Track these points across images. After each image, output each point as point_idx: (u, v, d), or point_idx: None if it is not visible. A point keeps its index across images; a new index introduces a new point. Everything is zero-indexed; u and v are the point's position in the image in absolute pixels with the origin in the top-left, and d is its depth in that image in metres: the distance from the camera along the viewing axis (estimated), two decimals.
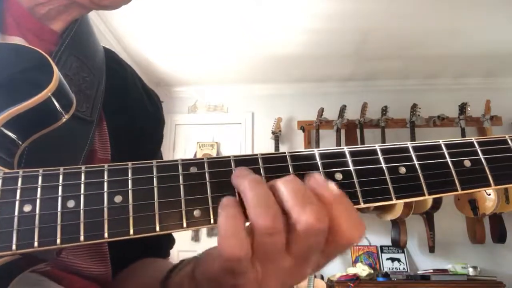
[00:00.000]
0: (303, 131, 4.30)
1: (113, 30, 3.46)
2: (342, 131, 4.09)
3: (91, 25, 0.70)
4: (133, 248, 0.64)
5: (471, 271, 3.52)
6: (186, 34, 3.50)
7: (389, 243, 3.87)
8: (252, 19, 3.28)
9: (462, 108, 3.89)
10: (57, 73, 0.46)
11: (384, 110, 4.02)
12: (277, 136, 4.22)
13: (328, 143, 4.15)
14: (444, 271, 3.61)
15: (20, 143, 0.46)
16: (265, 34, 3.48)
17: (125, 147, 0.66)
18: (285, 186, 0.37)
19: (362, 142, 3.92)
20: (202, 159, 0.40)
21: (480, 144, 0.42)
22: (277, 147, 4.19)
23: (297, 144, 4.33)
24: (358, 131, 4.05)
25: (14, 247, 0.36)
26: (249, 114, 4.49)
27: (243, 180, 0.38)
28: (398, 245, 3.79)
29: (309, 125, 4.27)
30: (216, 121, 4.52)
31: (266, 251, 0.37)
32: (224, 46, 3.70)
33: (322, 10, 3.14)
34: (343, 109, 4.05)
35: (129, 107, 0.73)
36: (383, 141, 3.83)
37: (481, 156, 0.42)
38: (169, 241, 0.78)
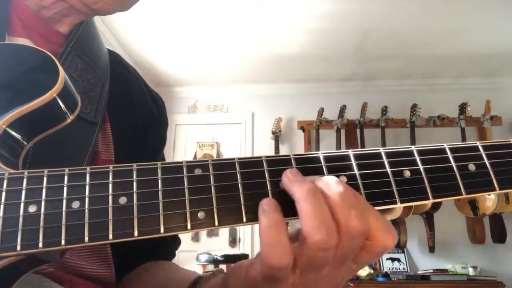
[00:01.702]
0: (303, 131, 4.30)
1: (114, 30, 3.46)
2: (342, 131, 4.09)
3: (96, 28, 0.70)
4: (139, 249, 0.64)
5: (471, 271, 3.52)
6: (186, 34, 3.50)
7: None
8: (252, 19, 3.28)
9: (462, 108, 3.89)
10: (62, 74, 0.46)
11: (384, 110, 4.02)
12: (277, 136, 4.22)
13: (328, 143, 4.15)
14: (444, 271, 3.62)
15: (25, 143, 0.46)
16: (265, 34, 3.48)
17: (128, 149, 0.67)
18: (330, 188, 0.37)
19: (362, 142, 3.92)
20: (207, 161, 0.40)
21: (485, 148, 0.42)
22: (277, 147, 4.19)
23: (297, 144, 4.33)
24: (358, 131, 4.05)
25: (18, 247, 0.36)
26: (249, 114, 4.49)
27: (300, 188, 0.37)
28: (398, 245, 3.79)
29: (309, 125, 4.27)
30: (216, 121, 4.52)
31: (312, 263, 0.37)
32: (224, 46, 3.70)
33: (322, 10, 3.14)
34: (343, 109, 4.05)
35: (133, 109, 0.73)
36: (383, 141, 3.83)
37: (486, 160, 0.42)
38: (175, 242, 0.78)
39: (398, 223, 3.77)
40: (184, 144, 4.46)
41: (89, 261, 0.58)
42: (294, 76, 4.29)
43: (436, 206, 3.65)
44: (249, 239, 4.10)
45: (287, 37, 3.52)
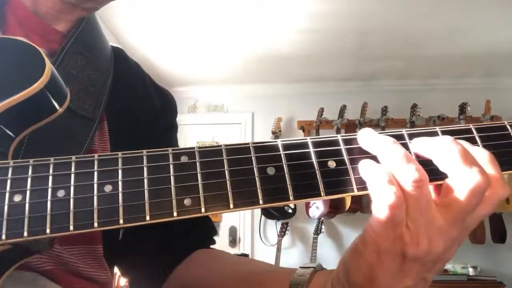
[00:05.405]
0: (303, 131, 4.30)
1: (113, 29, 3.46)
2: (342, 131, 4.09)
3: (98, 24, 0.70)
4: (182, 240, 0.67)
5: (471, 271, 3.51)
6: (186, 34, 3.50)
7: None
8: (252, 19, 3.28)
9: (462, 108, 3.88)
10: (49, 65, 0.46)
11: (384, 110, 4.02)
12: (277, 136, 4.21)
13: None
14: (444, 271, 3.60)
15: (14, 136, 0.45)
16: (265, 34, 3.48)
17: (127, 147, 0.66)
18: (450, 145, 0.38)
19: None
20: (193, 148, 0.40)
21: (478, 130, 0.43)
22: None
23: None
24: (358, 131, 4.04)
25: (3, 236, 0.36)
26: (249, 114, 4.49)
27: (381, 143, 0.41)
28: None
29: (309, 125, 4.27)
30: (216, 121, 4.52)
31: (415, 205, 0.37)
32: (224, 46, 3.70)
33: (322, 10, 3.14)
34: (343, 109, 4.05)
35: (135, 104, 0.72)
36: None
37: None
38: (213, 230, 0.80)
39: None
40: (184, 144, 4.28)
41: (84, 262, 0.57)
42: (294, 76, 4.29)
43: None
44: (249, 239, 4.09)
45: (287, 37, 3.52)
